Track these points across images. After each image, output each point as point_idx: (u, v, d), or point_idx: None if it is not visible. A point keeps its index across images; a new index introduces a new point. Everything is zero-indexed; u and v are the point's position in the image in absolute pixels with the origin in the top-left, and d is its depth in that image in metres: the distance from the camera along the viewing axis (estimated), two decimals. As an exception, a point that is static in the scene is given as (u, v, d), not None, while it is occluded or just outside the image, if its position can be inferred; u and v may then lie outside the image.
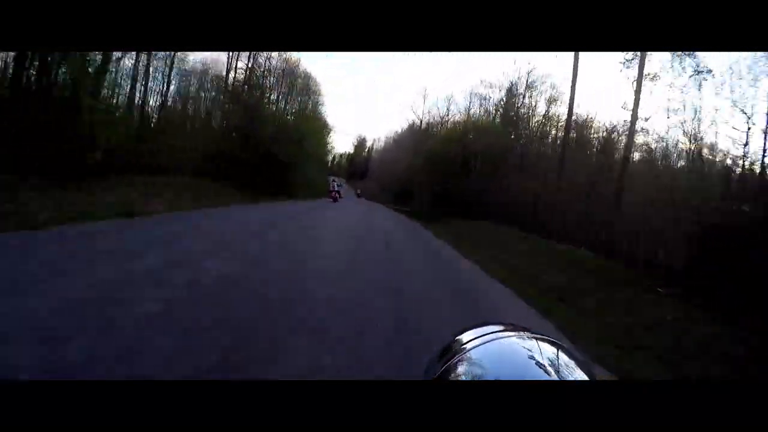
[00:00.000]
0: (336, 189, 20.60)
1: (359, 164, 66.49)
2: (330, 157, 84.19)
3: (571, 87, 14.06)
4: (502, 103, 20.76)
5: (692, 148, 7.91)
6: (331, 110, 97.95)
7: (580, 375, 0.38)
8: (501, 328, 0.45)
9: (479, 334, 0.43)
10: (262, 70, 18.38)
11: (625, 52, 10.28)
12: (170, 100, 14.60)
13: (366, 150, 70.13)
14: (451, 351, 0.43)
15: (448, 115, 27.38)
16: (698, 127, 7.65)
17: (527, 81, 18.72)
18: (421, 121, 30.73)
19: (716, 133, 7.60)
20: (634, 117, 10.29)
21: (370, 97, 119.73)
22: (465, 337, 0.44)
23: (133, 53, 10.94)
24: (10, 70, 7.72)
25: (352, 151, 74.89)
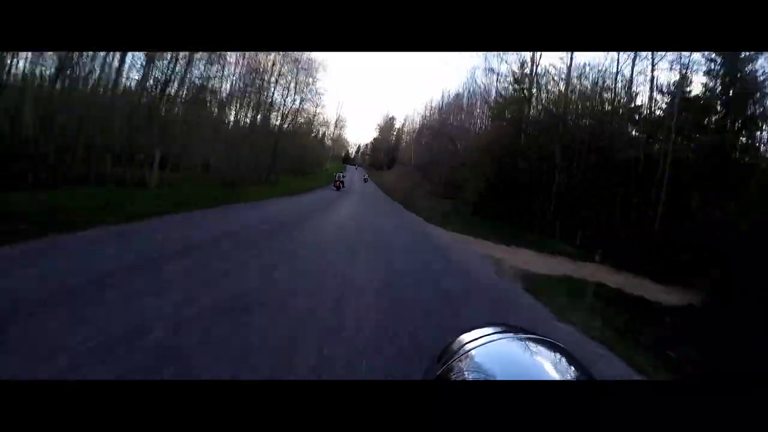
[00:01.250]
0: (341, 179, 24.36)
1: (385, 150, 56.63)
2: (354, 149, 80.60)
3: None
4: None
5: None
6: (348, 106, 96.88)
7: (579, 375, 0.41)
8: (500, 329, 0.48)
9: (479, 335, 0.46)
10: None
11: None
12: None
13: (394, 132, 59.32)
14: (451, 352, 0.46)
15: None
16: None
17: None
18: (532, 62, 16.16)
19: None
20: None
21: (388, 86, 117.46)
22: (465, 338, 0.47)
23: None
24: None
25: (377, 135, 65.14)
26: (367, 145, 75.31)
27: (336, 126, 62.74)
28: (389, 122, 62.37)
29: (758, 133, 9.86)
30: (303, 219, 8.47)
